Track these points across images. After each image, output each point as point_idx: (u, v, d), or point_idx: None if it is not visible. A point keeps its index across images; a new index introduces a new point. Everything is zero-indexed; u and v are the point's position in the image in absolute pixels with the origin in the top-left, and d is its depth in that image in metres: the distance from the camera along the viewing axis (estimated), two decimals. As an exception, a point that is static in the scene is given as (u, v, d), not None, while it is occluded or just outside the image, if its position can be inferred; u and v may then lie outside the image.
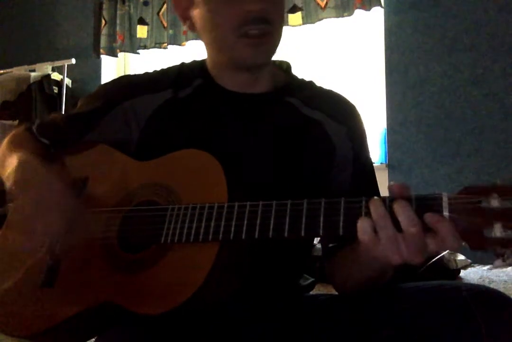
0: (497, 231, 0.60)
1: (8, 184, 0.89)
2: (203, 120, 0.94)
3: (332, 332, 0.82)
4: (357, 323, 0.81)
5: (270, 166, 0.91)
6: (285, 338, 0.87)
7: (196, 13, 0.93)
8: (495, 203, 0.60)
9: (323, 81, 1.07)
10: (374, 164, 1.04)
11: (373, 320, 0.79)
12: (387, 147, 3.20)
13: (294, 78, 1.03)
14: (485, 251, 0.61)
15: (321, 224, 0.68)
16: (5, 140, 1.01)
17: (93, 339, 0.82)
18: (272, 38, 0.91)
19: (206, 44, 0.97)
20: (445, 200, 0.63)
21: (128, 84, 1.01)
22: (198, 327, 0.77)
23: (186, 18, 0.96)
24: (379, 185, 1.00)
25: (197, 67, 1.01)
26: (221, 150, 0.82)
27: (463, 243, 0.63)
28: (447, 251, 2.18)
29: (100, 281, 0.80)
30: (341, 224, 0.67)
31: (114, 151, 0.94)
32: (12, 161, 0.91)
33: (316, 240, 1.05)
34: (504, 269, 2.50)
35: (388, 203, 0.65)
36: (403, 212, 0.64)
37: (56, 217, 0.82)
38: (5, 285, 0.89)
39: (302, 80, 1.04)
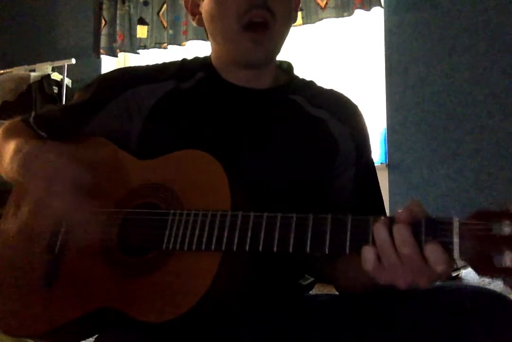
0: (507, 259, 0.58)
1: (10, 170, 0.87)
2: (206, 113, 0.94)
3: (332, 333, 0.82)
4: (357, 324, 0.81)
5: (272, 163, 0.91)
6: (285, 338, 0.86)
7: (204, 5, 0.95)
8: (506, 229, 0.59)
9: (323, 81, 1.07)
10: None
11: (373, 321, 0.79)
12: (387, 147, 3.19)
13: (296, 77, 1.04)
14: (493, 278, 0.59)
15: (327, 242, 0.67)
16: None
17: (92, 339, 0.82)
18: (273, 35, 0.91)
19: (211, 37, 0.98)
20: (455, 225, 0.61)
21: (129, 74, 1.01)
22: (199, 328, 0.77)
23: (195, 13, 0.98)
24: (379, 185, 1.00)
25: (200, 61, 1.02)
26: (223, 145, 0.81)
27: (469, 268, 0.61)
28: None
29: (99, 285, 0.79)
30: (347, 243, 0.66)
31: (114, 148, 0.92)
32: (11, 148, 0.89)
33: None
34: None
35: (391, 226, 0.64)
36: (398, 234, 0.63)
37: (69, 191, 0.79)
38: (5, 284, 0.88)
39: (304, 80, 1.04)
